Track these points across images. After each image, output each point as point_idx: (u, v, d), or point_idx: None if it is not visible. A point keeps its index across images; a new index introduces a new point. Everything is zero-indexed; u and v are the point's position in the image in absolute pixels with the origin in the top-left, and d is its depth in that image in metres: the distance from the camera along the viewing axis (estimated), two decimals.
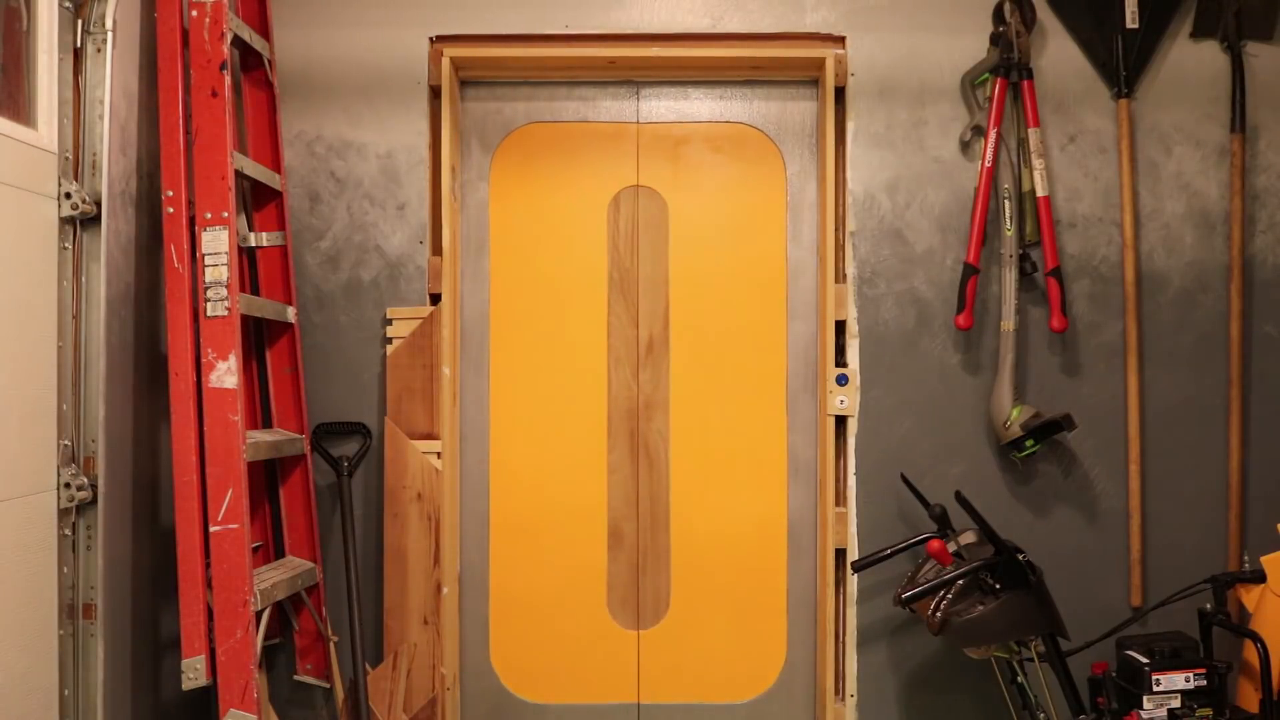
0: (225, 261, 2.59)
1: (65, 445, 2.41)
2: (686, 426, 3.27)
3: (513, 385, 3.27)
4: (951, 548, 2.73)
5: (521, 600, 3.26)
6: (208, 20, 2.64)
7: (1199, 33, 3.12)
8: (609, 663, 3.27)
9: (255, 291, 3.01)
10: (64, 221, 2.42)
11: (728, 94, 3.28)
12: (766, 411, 3.26)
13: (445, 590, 3.04)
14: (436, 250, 3.15)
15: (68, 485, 2.39)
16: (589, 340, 3.28)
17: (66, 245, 2.43)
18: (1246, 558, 3.04)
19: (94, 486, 2.44)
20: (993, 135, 3.05)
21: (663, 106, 3.29)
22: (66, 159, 2.44)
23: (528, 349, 3.27)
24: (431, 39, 3.13)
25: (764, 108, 3.28)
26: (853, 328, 3.13)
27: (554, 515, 3.27)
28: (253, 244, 2.88)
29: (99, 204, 2.46)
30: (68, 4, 2.43)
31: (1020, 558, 2.52)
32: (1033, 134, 3.06)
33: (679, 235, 3.28)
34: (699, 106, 3.29)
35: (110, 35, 2.48)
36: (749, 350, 3.27)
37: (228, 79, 2.63)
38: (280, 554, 3.03)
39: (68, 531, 2.41)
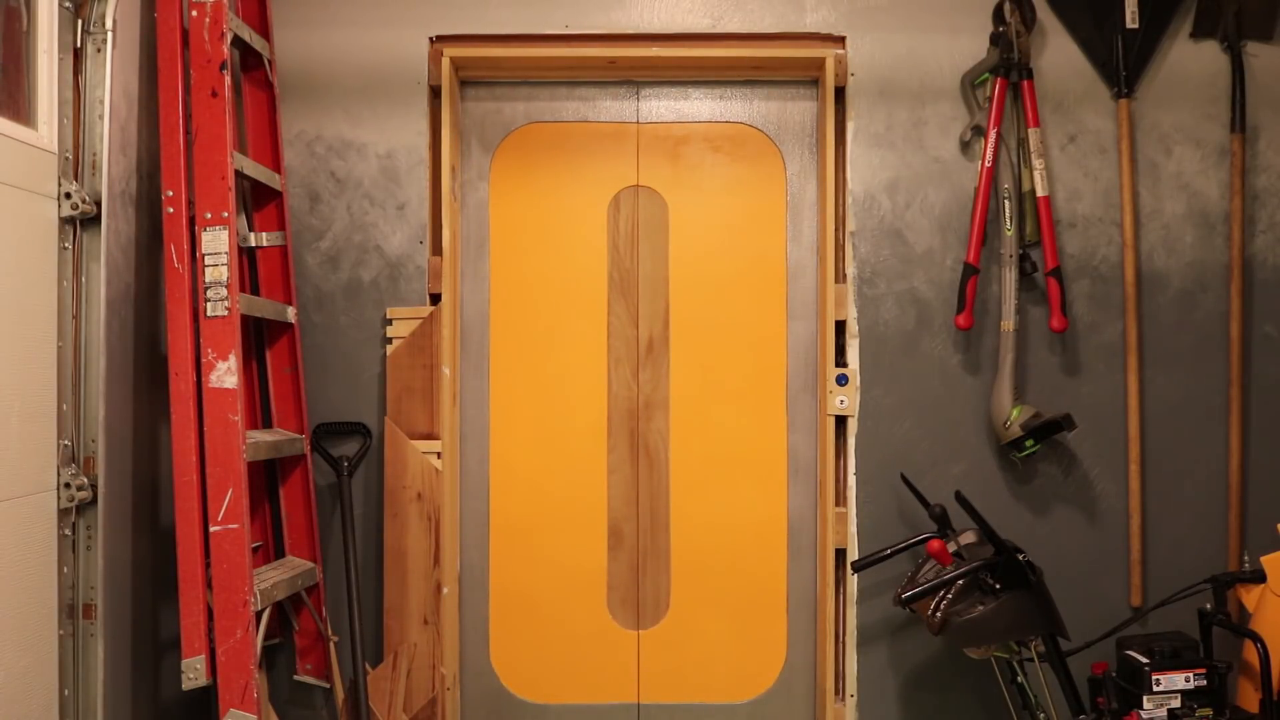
0: (225, 261, 2.59)
1: (65, 445, 2.41)
2: (686, 426, 3.27)
3: (513, 385, 3.27)
4: (951, 548, 2.73)
5: (521, 600, 3.26)
6: (208, 20, 2.64)
7: (1199, 33, 3.12)
8: (609, 663, 3.27)
9: (255, 291, 3.01)
10: (64, 221, 2.42)
11: (728, 94, 3.28)
12: (766, 411, 3.26)
13: (445, 590, 3.04)
14: (436, 250, 3.15)
15: (68, 485, 2.39)
16: (589, 340, 3.28)
17: (66, 245, 2.42)
18: (1246, 558, 3.04)
19: (94, 486, 2.44)
20: (993, 135, 3.05)
21: (663, 106, 3.29)
22: (66, 159, 2.44)
23: (528, 349, 3.27)
24: (431, 39, 3.13)
25: (764, 108, 3.28)
26: (853, 328, 3.13)
27: (554, 515, 3.27)
28: (253, 244, 2.88)
29: (99, 204, 2.46)
30: (68, 4, 2.43)
31: (1020, 558, 2.52)
32: (1033, 134, 3.06)
33: (679, 235, 3.28)
34: (699, 106, 3.29)
35: (110, 35, 2.48)
36: (749, 350, 3.27)
37: (228, 79, 2.63)
38: (280, 554, 3.03)
39: (68, 531, 2.41)
